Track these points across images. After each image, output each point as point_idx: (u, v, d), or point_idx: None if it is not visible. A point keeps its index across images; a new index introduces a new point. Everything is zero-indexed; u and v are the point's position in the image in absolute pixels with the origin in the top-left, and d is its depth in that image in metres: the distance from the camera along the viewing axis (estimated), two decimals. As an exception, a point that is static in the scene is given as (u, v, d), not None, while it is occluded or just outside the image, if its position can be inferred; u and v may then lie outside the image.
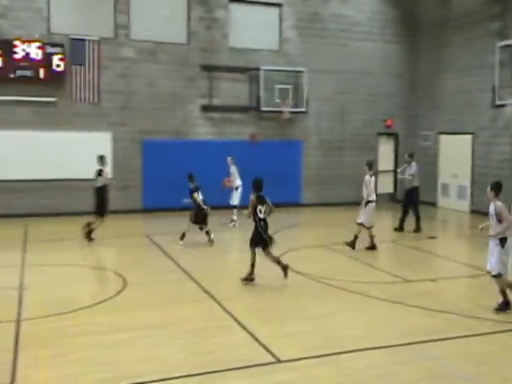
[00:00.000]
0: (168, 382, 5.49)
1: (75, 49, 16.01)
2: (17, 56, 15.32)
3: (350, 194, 17.77)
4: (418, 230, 13.97)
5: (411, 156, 14.54)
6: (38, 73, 15.56)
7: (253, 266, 9.09)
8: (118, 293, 8.48)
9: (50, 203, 16.00)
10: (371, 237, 11.67)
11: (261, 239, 9.05)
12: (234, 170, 14.68)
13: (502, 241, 7.48)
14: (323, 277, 9.52)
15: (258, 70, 17.89)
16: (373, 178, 11.80)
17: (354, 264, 10.73)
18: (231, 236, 13.72)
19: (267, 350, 6.25)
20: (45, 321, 7.20)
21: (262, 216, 9.07)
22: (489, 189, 7.70)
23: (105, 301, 8.10)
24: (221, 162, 14.95)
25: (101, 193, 12.48)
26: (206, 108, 17.68)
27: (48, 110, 15.98)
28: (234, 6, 18.11)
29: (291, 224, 15.45)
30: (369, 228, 11.68)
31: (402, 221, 14.09)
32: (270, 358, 6.03)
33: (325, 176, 19.13)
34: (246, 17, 18.27)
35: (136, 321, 7.27)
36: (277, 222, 15.26)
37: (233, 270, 10.05)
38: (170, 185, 15.80)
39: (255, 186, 9.19)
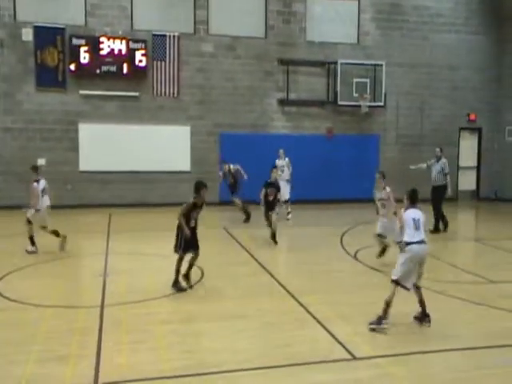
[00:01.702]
0: (247, 372, 5.55)
1: (156, 44, 16.53)
2: (102, 52, 16.00)
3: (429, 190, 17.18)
4: (436, 230, 13.26)
5: (442, 151, 13.73)
6: (121, 68, 16.19)
7: (188, 267, 8.32)
8: (196, 283, 8.67)
9: (132, 194, 16.64)
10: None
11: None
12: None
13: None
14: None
15: (335, 63, 17.69)
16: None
17: (433, 262, 10.36)
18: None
19: (343, 346, 6.19)
20: (126, 307, 7.47)
21: (193, 225, 8.02)
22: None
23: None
24: (297, 156, 14.92)
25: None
26: (282, 102, 17.70)
27: (131, 104, 16.61)
28: (312, 0, 17.98)
29: (367, 220, 15.18)
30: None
31: (436, 221, 13.38)
32: (345, 355, 5.97)
33: (402, 172, 18.60)
34: (323, 10, 18.12)
35: (213, 311, 7.41)
36: (351, 218, 15.17)
37: (305, 265, 10.02)
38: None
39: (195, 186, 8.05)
